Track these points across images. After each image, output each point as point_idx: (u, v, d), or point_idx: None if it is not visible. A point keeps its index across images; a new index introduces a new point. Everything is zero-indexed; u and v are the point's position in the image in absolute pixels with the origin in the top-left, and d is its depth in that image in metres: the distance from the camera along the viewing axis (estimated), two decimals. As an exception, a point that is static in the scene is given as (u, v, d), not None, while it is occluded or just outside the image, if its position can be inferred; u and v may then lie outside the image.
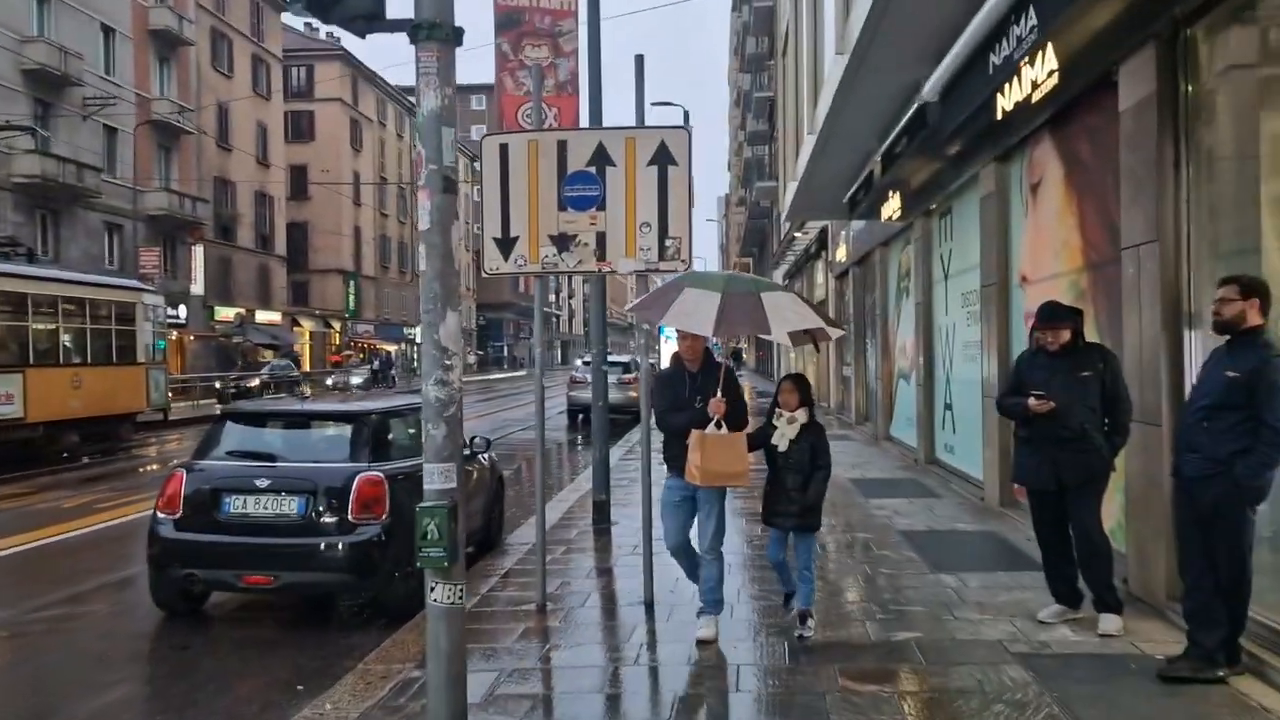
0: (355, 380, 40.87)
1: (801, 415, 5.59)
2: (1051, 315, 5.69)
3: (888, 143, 11.74)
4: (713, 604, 5.72)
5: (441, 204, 3.56)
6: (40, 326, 17.38)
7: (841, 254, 21.16)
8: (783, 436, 5.56)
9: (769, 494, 5.68)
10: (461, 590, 3.78)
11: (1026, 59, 6.73)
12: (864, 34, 8.80)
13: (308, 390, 36.02)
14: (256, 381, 33.52)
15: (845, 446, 16.44)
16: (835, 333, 5.87)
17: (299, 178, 53.86)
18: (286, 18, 51.98)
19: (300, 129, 54.98)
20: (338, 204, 56.30)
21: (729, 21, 68.96)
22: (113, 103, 34.54)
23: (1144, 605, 5.91)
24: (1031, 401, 5.52)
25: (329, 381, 41.12)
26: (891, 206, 13.11)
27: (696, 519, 5.78)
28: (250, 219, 46.75)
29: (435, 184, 3.57)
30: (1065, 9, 5.99)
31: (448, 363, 3.64)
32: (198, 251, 40.36)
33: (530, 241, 6.43)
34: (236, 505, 6.60)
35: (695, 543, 5.87)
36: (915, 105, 10.03)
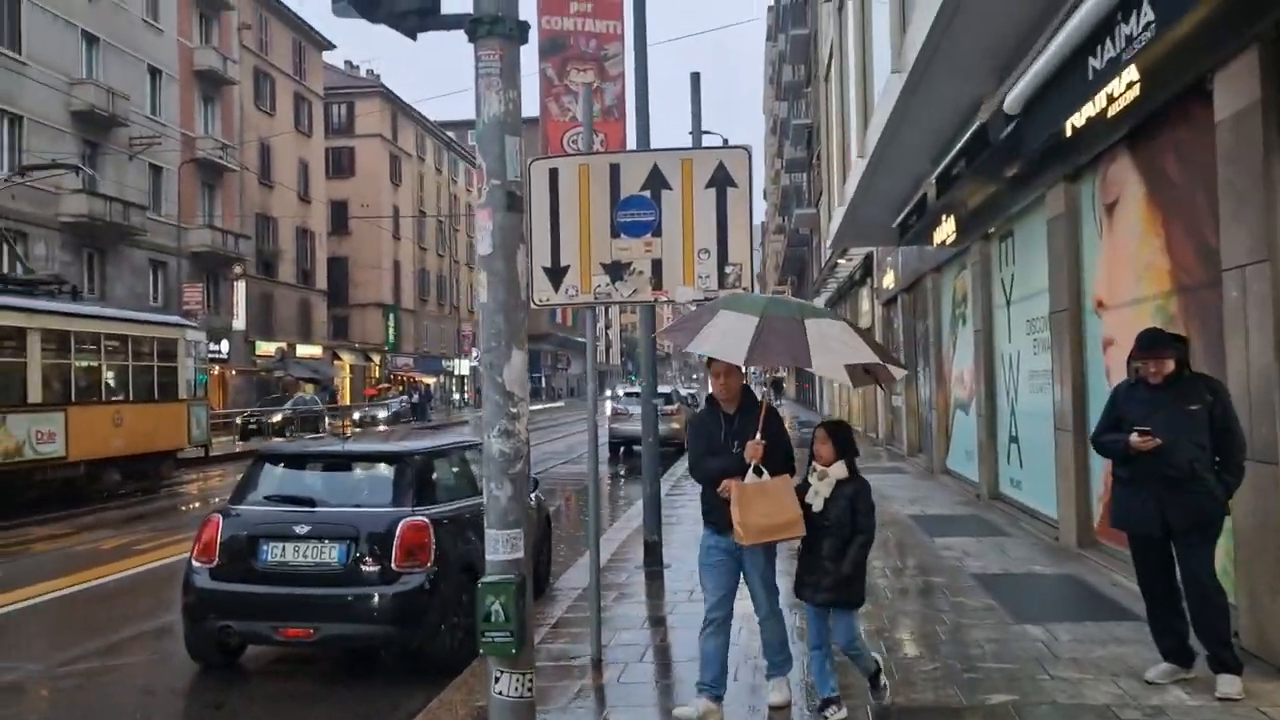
0: (382, 414, 40.34)
1: (838, 470, 4.81)
2: (1153, 343, 5.19)
3: (944, 164, 11.29)
4: (781, 664, 5.15)
5: (505, 224, 3.10)
6: (83, 364, 17.33)
7: (889, 280, 20.64)
8: (816, 494, 4.81)
9: (801, 560, 4.91)
10: (530, 680, 3.27)
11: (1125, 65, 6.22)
12: (924, 50, 8.40)
13: (341, 426, 35.89)
14: (279, 416, 33.32)
15: (899, 480, 15.87)
16: (897, 373, 5.08)
17: (339, 213, 54.31)
18: (328, 56, 52.70)
19: (341, 165, 55.52)
20: (377, 238, 56.67)
21: (763, 52, 68.98)
22: (158, 142, 35.01)
23: (1263, 664, 5.35)
24: (1134, 438, 5.02)
25: (355, 416, 40.57)
26: (946, 230, 12.63)
27: (744, 578, 5.06)
28: (291, 254, 47.12)
29: (497, 201, 3.12)
30: (1191, 3, 5.36)
31: (514, 410, 3.12)
32: (240, 287, 40.66)
33: (582, 270, 6.07)
34: (275, 553, 6.25)
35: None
36: (977, 123, 9.59)
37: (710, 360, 4.98)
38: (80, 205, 30.82)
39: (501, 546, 3.21)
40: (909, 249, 17.11)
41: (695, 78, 8.70)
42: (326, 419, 36.37)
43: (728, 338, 4.56)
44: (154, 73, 36.24)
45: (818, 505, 4.80)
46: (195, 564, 6.44)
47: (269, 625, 6.22)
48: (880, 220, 15.93)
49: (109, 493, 17.64)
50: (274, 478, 6.82)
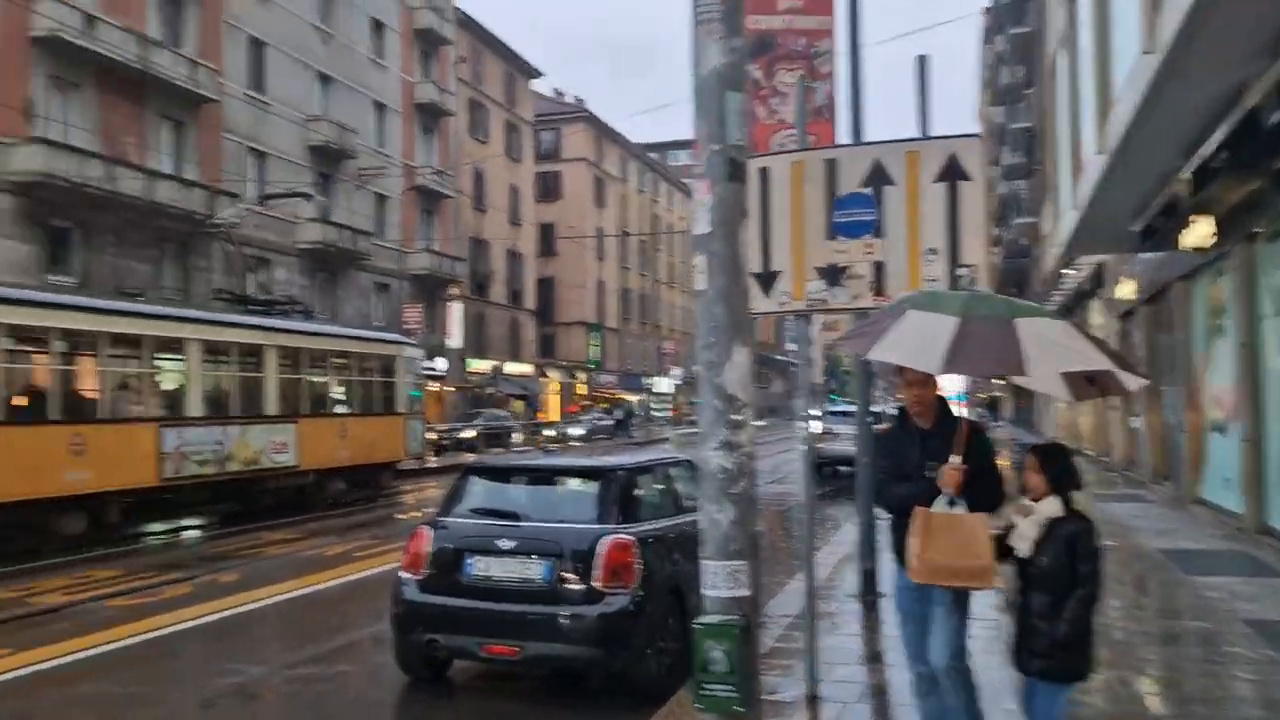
0: (576, 431, 40.48)
1: (1050, 507, 3.86)
2: None
3: (1201, 157, 10.05)
4: None
5: (726, 196, 2.64)
6: (312, 379, 18.40)
7: (1126, 290, 18.89)
8: (1021, 537, 3.90)
9: (1016, 621, 4.06)
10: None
11: None
12: (1186, 25, 7.42)
13: (538, 441, 36.59)
14: (472, 432, 34.21)
15: (1141, 509, 14.38)
16: (1135, 382, 4.18)
17: (547, 235, 56.05)
18: (536, 84, 54.66)
19: (548, 188, 57.32)
20: (582, 259, 58.10)
21: (977, 56, 65.99)
22: (383, 172, 37.30)
23: None
24: None
25: (548, 433, 40.91)
26: (1200, 233, 11.26)
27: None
28: (503, 275, 49.03)
29: (717, 169, 2.69)
30: None
31: (736, 417, 2.63)
32: (455, 307, 42.58)
33: (795, 276, 5.63)
34: (479, 567, 6.14)
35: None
36: (1244, 108, 8.43)
37: (902, 368, 4.23)
38: (315, 233, 33.21)
39: (721, 581, 2.71)
40: (1149, 256, 15.53)
41: (921, 61, 8.08)
42: (514, 436, 37.11)
43: (918, 342, 3.83)
44: (379, 107, 38.67)
45: (1024, 549, 3.89)
46: (404, 575, 6.43)
47: (474, 641, 6.10)
48: (1118, 224, 14.50)
49: (334, 501, 18.61)
50: (480, 491, 6.74)
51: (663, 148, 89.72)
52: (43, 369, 13.38)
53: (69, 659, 7.36)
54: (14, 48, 23.64)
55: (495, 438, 35.22)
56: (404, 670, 6.64)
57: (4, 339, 12.52)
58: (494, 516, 6.40)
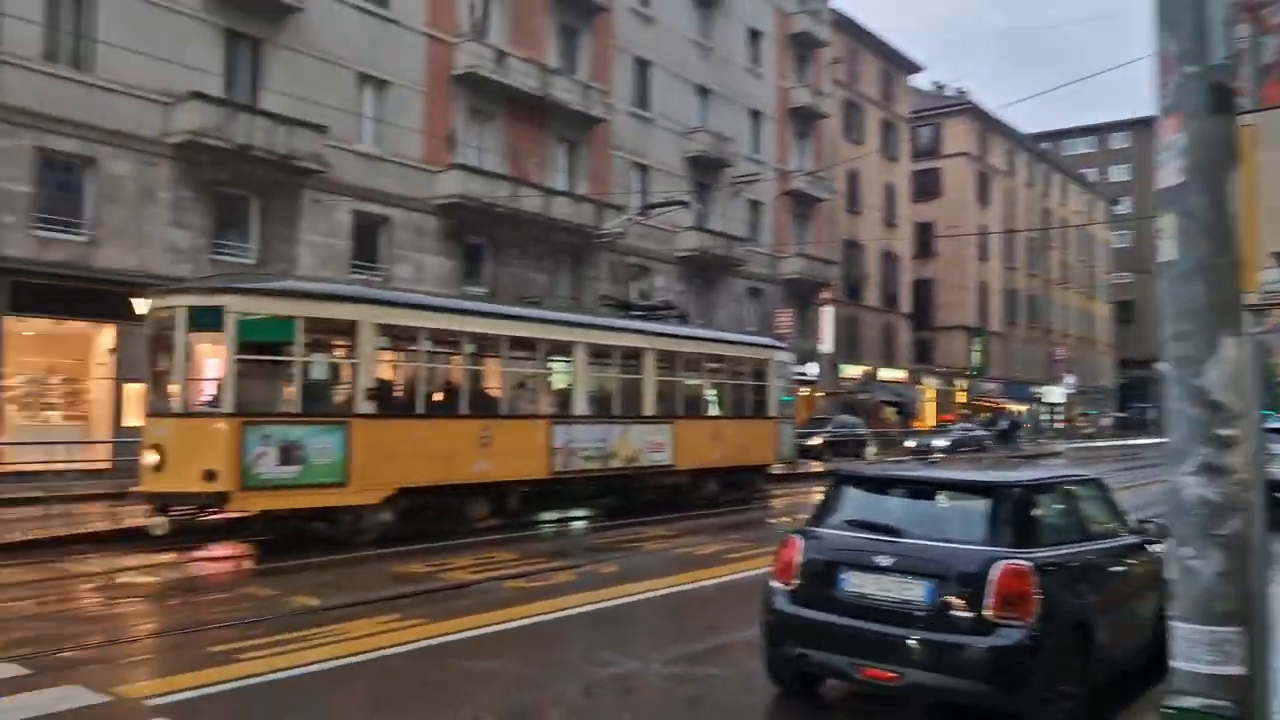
0: (940, 443, 37.46)
1: None
2: None
3: None
4: None
5: (1207, 134, 2.00)
6: (687, 381, 18.93)
7: None
8: None
9: None
10: None
11: None
12: None
13: (873, 450, 34.68)
14: (819, 440, 32.97)
15: None
16: None
17: (924, 235, 53.95)
18: (914, 79, 52.84)
19: (926, 186, 55.15)
20: (962, 259, 55.24)
21: None
22: (757, 178, 37.91)
23: None
24: None
25: (908, 444, 38.43)
26: None
27: None
28: (876, 278, 47.89)
29: (1193, 98, 2.10)
30: None
31: (1223, 431, 1.89)
32: (827, 312, 42.21)
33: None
34: (854, 583, 5.73)
35: None
36: None
37: None
38: (692, 241, 34.45)
39: (1201, 652, 2.01)
40: None
41: None
42: (869, 447, 35.37)
43: None
44: (754, 115, 39.33)
45: None
46: (774, 584, 6.17)
47: (847, 661, 5.70)
48: None
49: (708, 502, 18.99)
50: (854, 501, 6.31)
51: (1056, 137, 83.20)
52: (456, 369, 14.90)
53: (470, 634, 7.94)
54: (440, 87, 26.86)
55: (842, 446, 33.54)
56: (774, 681, 6.39)
57: (426, 342, 14.09)
58: (870, 530, 5.95)
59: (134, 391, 18.09)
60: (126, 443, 16.47)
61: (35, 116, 19.02)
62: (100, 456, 19.32)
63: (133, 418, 17.89)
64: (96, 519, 14.11)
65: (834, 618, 5.75)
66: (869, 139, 47.23)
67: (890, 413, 46.23)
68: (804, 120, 42.25)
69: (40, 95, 19.10)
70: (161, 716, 5.77)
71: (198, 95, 20.86)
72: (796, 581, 6.01)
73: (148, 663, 7.21)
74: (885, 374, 47.58)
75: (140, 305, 13.90)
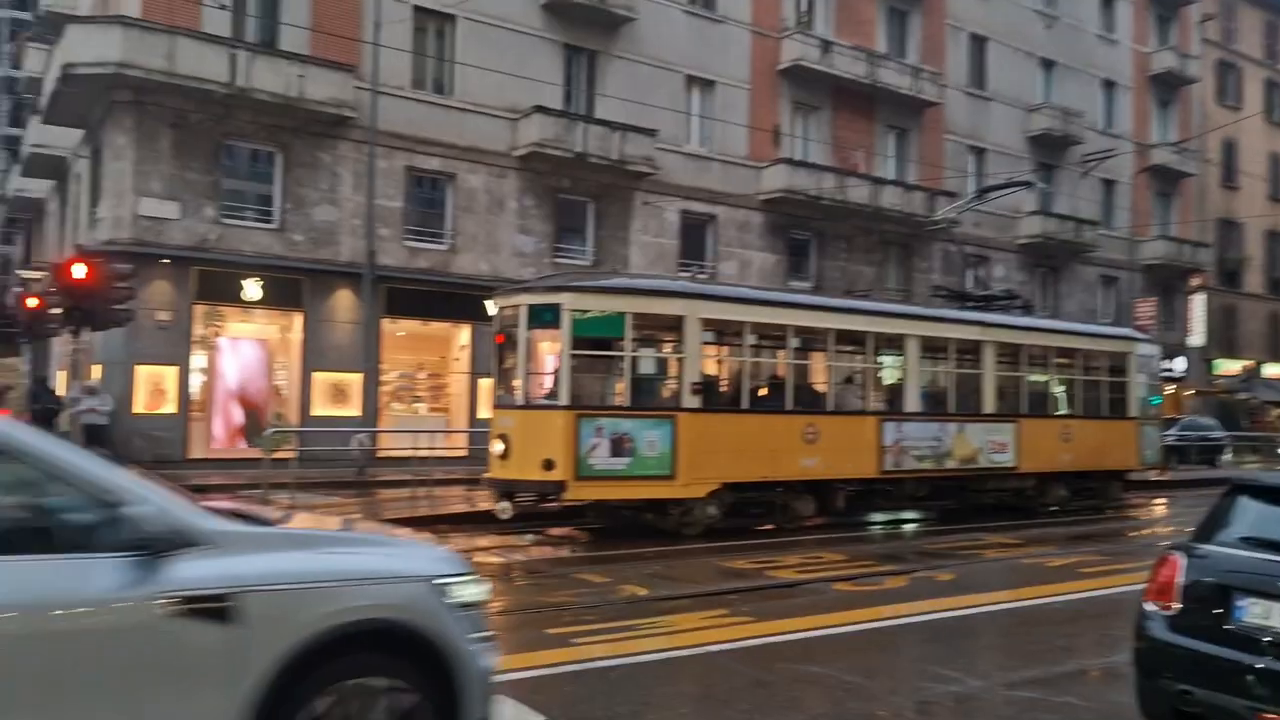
0: None
1: None
2: None
3: None
4: None
5: None
6: (1032, 377, 17.43)
7: None
8: None
9: None
10: None
11: None
12: None
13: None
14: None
15: None
16: None
17: (1320, 210, 46.46)
18: (1307, 30, 45.62)
19: (1324, 153, 47.47)
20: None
21: None
22: (1111, 154, 34.39)
23: None
24: None
25: None
26: None
27: None
28: (1259, 261, 41.90)
29: None
30: None
31: None
32: (1197, 300, 37.59)
33: None
34: (1255, 612, 4.79)
35: None
36: None
37: None
38: (1035, 226, 32.01)
39: None
40: None
41: None
42: (1225, 454, 30.36)
43: None
44: (1107, 86, 35.85)
45: None
46: (1148, 607, 5.32)
47: (1246, 705, 4.77)
48: None
49: (1056, 508, 17.39)
50: (1253, 515, 5.30)
51: None
52: (781, 363, 14.69)
53: (798, 635, 7.67)
54: (766, 82, 26.88)
55: (1192, 451, 29.13)
56: (1146, 718, 5.53)
57: (751, 336, 14.00)
58: (1275, 550, 4.96)
59: (485, 385, 19.78)
60: (479, 432, 17.92)
61: (406, 139, 21.30)
62: (458, 444, 21.23)
63: (484, 410, 19.50)
64: (455, 501, 15.44)
65: (1227, 651, 4.84)
66: (1248, 103, 41.39)
67: (1277, 415, 40.27)
68: (1167, 87, 37.85)
69: (410, 119, 21.35)
70: (502, 694, 6.03)
71: (540, 109, 22.33)
72: (1177, 606, 5.14)
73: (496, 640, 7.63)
74: (1271, 370, 41.49)
75: (489, 305, 15.02)
